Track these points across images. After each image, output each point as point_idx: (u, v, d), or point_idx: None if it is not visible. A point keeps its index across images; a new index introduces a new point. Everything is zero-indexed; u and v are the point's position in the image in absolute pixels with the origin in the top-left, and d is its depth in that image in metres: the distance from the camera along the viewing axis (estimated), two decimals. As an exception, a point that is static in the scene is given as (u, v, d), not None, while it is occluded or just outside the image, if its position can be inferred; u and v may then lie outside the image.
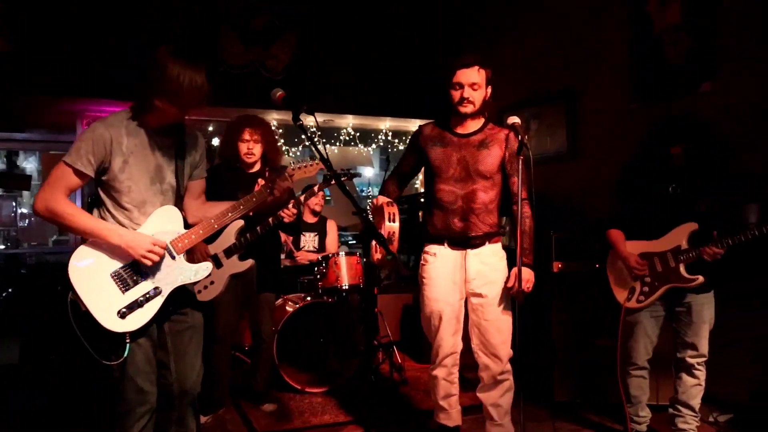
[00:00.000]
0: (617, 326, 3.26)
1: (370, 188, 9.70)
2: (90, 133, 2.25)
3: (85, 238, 2.29)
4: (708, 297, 3.14)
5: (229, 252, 3.56)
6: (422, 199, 6.24)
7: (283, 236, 5.30)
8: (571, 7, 5.25)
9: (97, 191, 2.36)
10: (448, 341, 2.97)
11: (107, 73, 5.80)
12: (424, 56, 7.05)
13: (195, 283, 2.50)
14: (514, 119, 2.59)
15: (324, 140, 7.47)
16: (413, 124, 7.67)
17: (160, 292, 2.32)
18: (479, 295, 2.91)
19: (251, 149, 3.65)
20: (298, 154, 7.27)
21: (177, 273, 2.37)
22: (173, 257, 2.37)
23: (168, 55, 2.17)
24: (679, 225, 3.11)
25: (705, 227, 3.06)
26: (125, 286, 2.27)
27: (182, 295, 2.44)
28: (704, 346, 3.13)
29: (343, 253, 4.59)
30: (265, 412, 3.84)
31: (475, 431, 3.37)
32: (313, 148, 2.38)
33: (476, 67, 2.82)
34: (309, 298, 4.45)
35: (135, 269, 2.31)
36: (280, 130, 7.22)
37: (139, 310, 2.27)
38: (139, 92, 2.26)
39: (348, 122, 7.37)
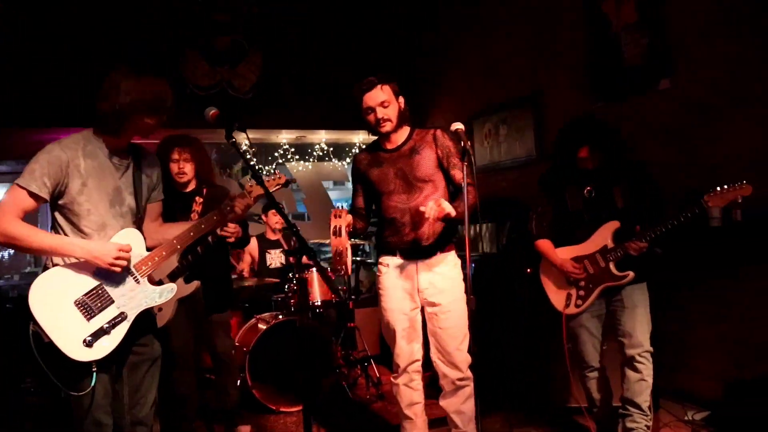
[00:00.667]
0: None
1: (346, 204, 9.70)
2: (45, 154, 2.21)
3: (45, 256, 2.24)
4: (640, 286, 3.16)
5: (173, 276, 3.47)
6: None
7: (248, 256, 5.28)
8: (529, 9, 5.27)
9: (53, 216, 2.31)
10: (405, 350, 3.00)
11: (74, 103, 5.76)
12: (391, 69, 7.04)
13: (153, 308, 2.47)
14: (457, 125, 2.57)
15: (297, 157, 7.46)
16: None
17: (125, 317, 2.29)
18: (432, 304, 2.94)
19: (182, 168, 3.58)
20: (272, 170, 7.25)
21: (141, 296, 2.34)
22: (137, 281, 2.34)
23: (130, 72, 2.23)
24: (601, 225, 3.12)
25: (626, 223, 3.08)
26: (89, 313, 2.22)
27: (144, 322, 2.40)
28: (642, 334, 3.10)
29: (314, 269, 4.54)
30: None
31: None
32: (246, 165, 2.35)
33: (378, 87, 2.89)
34: (281, 317, 4.40)
35: (99, 296, 2.26)
36: (253, 149, 7.21)
37: (105, 337, 2.23)
38: (108, 113, 2.22)
39: (320, 137, 7.36)
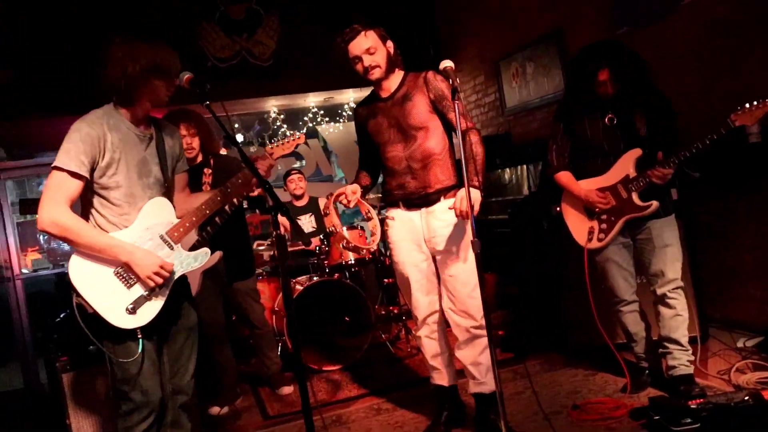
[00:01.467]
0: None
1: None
2: (76, 134, 2.18)
3: (92, 253, 2.21)
4: (668, 221, 2.98)
5: (194, 249, 3.52)
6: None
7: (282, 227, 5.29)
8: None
9: (83, 193, 2.27)
10: (423, 302, 2.93)
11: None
12: (416, 21, 6.87)
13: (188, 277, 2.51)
14: (445, 63, 2.44)
15: (327, 119, 7.40)
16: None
17: (164, 283, 2.30)
18: (440, 252, 2.85)
19: (190, 143, 3.57)
20: (289, 133, 7.24)
21: (177, 263, 2.36)
22: (171, 247, 2.36)
23: (134, 39, 2.25)
24: (623, 154, 2.95)
25: (650, 151, 2.89)
26: (128, 281, 2.24)
27: (180, 290, 2.43)
28: (673, 272, 2.95)
29: (345, 227, 4.52)
30: (281, 395, 3.86)
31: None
32: (224, 130, 2.32)
33: (362, 33, 2.74)
34: (315, 278, 4.43)
35: None
36: (282, 116, 7.20)
37: (147, 303, 2.26)
38: (120, 82, 2.21)
39: (348, 97, 7.27)
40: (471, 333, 2.84)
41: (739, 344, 3.51)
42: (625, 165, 2.94)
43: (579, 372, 3.49)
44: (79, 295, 2.18)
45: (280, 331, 4.29)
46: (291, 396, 3.83)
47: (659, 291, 2.97)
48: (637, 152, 2.92)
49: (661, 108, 2.94)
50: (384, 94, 2.87)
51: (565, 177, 3.12)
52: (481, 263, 2.29)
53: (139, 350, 2.23)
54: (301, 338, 4.20)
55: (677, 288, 2.96)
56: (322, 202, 5.28)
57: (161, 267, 2.25)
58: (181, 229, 2.39)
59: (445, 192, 2.81)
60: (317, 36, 6.34)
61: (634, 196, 2.93)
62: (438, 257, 2.89)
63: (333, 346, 4.37)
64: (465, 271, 2.82)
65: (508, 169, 5.46)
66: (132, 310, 2.21)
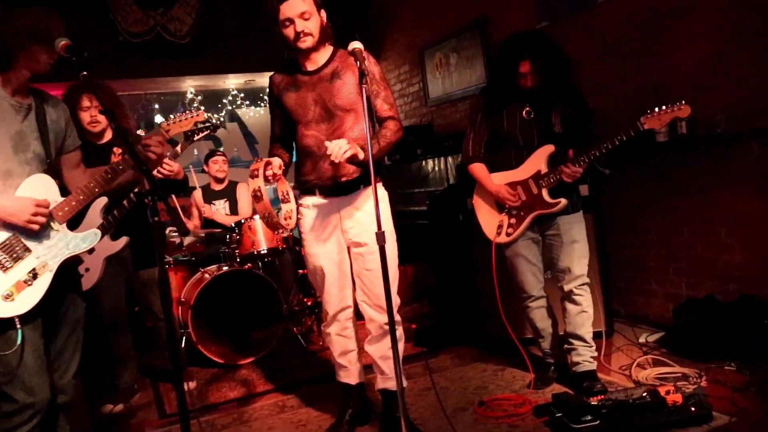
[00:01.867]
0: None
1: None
2: None
3: None
4: (576, 217, 2.99)
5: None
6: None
7: (195, 210, 5.07)
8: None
9: None
10: (335, 296, 2.77)
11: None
12: (338, 6, 6.71)
13: (79, 264, 2.33)
14: (354, 44, 2.30)
15: (248, 102, 7.15)
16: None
17: (47, 267, 2.09)
18: (358, 244, 2.70)
19: (95, 117, 3.31)
20: (222, 119, 6.95)
21: (62, 244, 2.15)
22: (56, 228, 2.15)
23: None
24: (537, 149, 2.93)
25: (563, 148, 2.87)
26: (4, 266, 2.02)
27: (65, 278, 2.20)
28: (579, 268, 2.96)
29: (257, 216, 4.34)
30: (183, 391, 3.66)
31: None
32: (102, 106, 2.13)
33: None
34: (226, 268, 4.24)
35: (14, 245, 2.06)
36: (199, 97, 6.90)
37: (28, 289, 2.04)
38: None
39: (271, 79, 7.03)
40: (384, 329, 2.72)
41: (642, 339, 3.58)
42: (538, 160, 2.92)
43: (489, 367, 3.48)
44: None
45: (185, 323, 4.07)
46: (194, 392, 3.64)
47: (566, 287, 2.97)
48: (549, 148, 2.89)
49: (577, 105, 2.93)
50: (310, 67, 2.63)
51: (478, 169, 3.06)
52: (385, 256, 2.18)
53: (18, 341, 2.01)
54: (203, 331, 4.02)
55: (583, 284, 2.97)
56: (241, 188, 5.07)
57: (36, 205, 2.05)
58: (66, 209, 2.18)
59: (367, 179, 2.56)
60: (238, 15, 6.08)
61: (544, 193, 2.91)
62: (354, 249, 2.73)
63: (242, 339, 4.19)
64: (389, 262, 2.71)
65: (430, 160, 5.41)
66: (8, 296, 2.00)
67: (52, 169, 2.25)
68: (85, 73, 2.05)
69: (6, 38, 2.03)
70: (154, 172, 3.13)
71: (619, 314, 4.04)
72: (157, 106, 7.00)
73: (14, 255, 2.06)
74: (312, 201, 2.73)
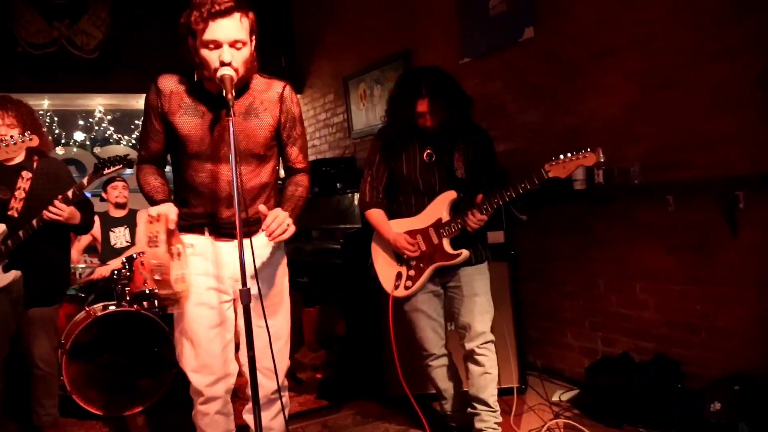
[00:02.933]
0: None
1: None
2: None
3: None
4: (480, 269, 2.77)
5: None
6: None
7: (87, 237, 4.64)
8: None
9: None
10: (218, 359, 2.25)
11: None
12: (273, 19, 6.46)
13: None
14: (222, 71, 1.99)
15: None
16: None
17: None
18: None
19: (4, 135, 2.91)
20: (133, 142, 6.51)
21: None
22: None
23: None
24: (437, 195, 2.69)
25: (466, 194, 2.66)
26: None
27: None
28: (481, 324, 2.71)
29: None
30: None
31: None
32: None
33: (238, 15, 2.02)
34: (112, 308, 3.82)
35: None
36: (109, 117, 6.45)
37: None
38: None
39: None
40: (270, 398, 2.33)
41: (555, 398, 3.38)
42: (439, 207, 2.67)
43: (391, 427, 3.19)
44: None
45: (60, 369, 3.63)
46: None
47: (467, 345, 2.72)
48: (451, 195, 2.66)
49: (482, 148, 2.72)
50: (215, 91, 2.12)
51: (375, 215, 2.79)
52: (250, 314, 1.88)
53: None
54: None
55: (486, 342, 2.72)
56: (142, 216, 4.66)
57: None
58: None
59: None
60: (155, 29, 5.69)
61: (445, 243, 2.66)
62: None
63: (127, 387, 3.76)
64: (280, 321, 2.32)
65: (348, 195, 5.15)
66: None
67: None
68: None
69: None
70: (44, 214, 2.84)
71: (535, 367, 3.85)
72: (56, 119, 6.45)
73: None
74: (198, 241, 2.26)
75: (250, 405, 2.31)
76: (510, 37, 3.76)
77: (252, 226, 2.16)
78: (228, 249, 2.26)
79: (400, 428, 3.16)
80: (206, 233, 2.26)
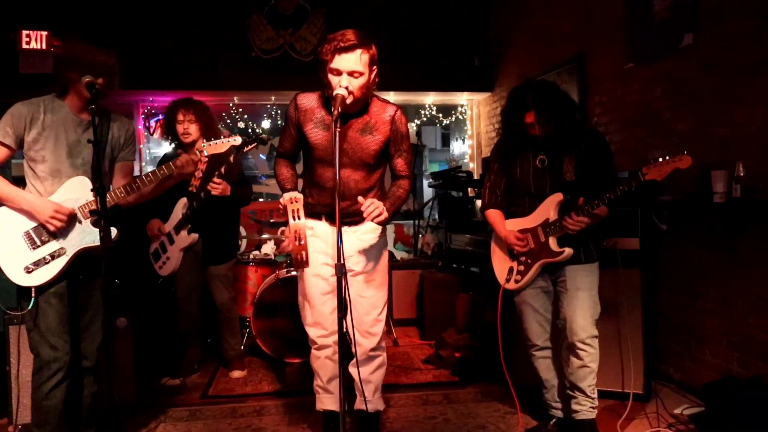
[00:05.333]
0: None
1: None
2: (11, 110, 2.60)
3: (1, 202, 2.62)
4: (587, 267, 2.91)
5: (178, 228, 3.84)
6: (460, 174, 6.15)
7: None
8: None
9: (24, 165, 2.68)
10: (329, 318, 2.85)
11: (156, 67, 6.36)
12: (461, 27, 6.89)
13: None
14: (339, 90, 2.48)
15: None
16: (460, 98, 7.51)
17: (64, 252, 2.60)
18: (356, 272, 2.82)
19: (186, 129, 3.85)
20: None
21: (82, 236, 2.63)
22: (80, 221, 2.64)
23: (77, 41, 2.60)
24: (547, 197, 2.89)
25: (575, 196, 2.80)
26: (34, 244, 2.58)
27: (94, 268, 2.68)
28: (582, 318, 2.85)
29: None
30: (232, 378, 4.08)
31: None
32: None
33: (358, 52, 2.49)
34: (294, 273, 4.59)
35: (45, 230, 2.59)
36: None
37: (45, 267, 2.58)
38: (57, 73, 2.61)
39: (389, 99, 7.34)
40: (369, 355, 2.87)
41: (678, 410, 3.35)
42: (547, 208, 2.89)
43: (503, 408, 3.46)
44: None
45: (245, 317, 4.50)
46: (239, 381, 4.04)
47: (569, 338, 2.90)
48: (558, 197, 2.86)
49: (594, 152, 2.86)
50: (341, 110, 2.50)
51: (492, 215, 3.10)
52: (341, 284, 2.33)
53: (31, 305, 2.54)
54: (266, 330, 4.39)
55: (589, 338, 2.87)
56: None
57: (57, 211, 2.54)
58: (93, 207, 2.62)
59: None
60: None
61: (551, 241, 2.88)
62: (350, 277, 2.80)
63: (296, 340, 4.50)
64: (376, 293, 2.86)
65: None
66: (29, 271, 2.53)
67: (98, 171, 2.56)
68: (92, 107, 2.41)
69: (56, 73, 2.59)
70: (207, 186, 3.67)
71: (671, 378, 3.78)
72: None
73: (43, 238, 2.58)
74: (318, 225, 2.86)
75: (354, 360, 2.86)
76: (670, 43, 3.70)
77: (357, 216, 2.68)
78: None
79: (510, 410, 3.41)
80: (323, 219, 2.85)
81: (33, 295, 2.55)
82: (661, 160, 2.53)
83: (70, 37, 2.67)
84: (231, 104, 7.05)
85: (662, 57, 3.80)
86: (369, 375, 2.89)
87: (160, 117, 7.17)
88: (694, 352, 3.65)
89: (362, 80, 2.54)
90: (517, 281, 3.01)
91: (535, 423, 3.21)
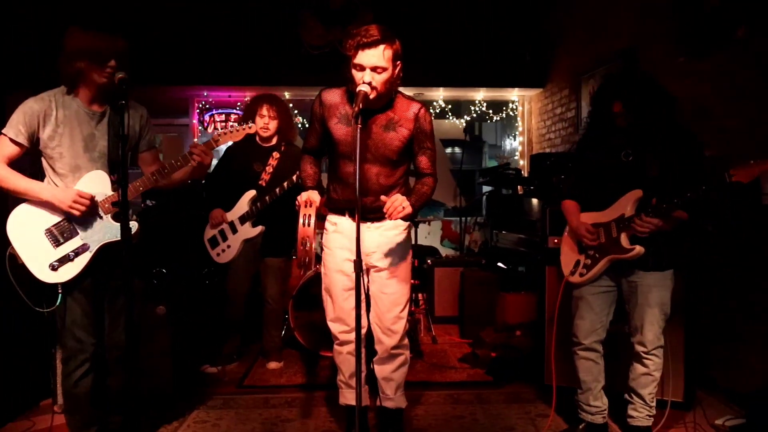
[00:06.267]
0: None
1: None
2: (22, 107, 2.56)
3: (21, 197, 2.60)
4: (658, 278, 2.76)
5: (243, 219, 3.98)
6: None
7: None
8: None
9: (40, 161, 2.66)
10: (351, 314, 2.75)
11: (210, 63, 6.55)
12: (513, 22, 6.76)
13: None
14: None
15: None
16: (510, 93, 7.38)
17: (87, 248, 2.62)
18: (378, 269, 2.80)
19: (267, 124, 3.96)
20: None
21: (104, 231, 2.64)
22: (101, 217, 2.65)
23: (77, 29, 2.52)
24: (626, 192, 2.76)
25: (655, 194, 2.68)
26: (56, 241, 2.58)
27: (113, 260, 2.66)
28: (651, 332, 2.76)
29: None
30: (268, 369, 4.16)
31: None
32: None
33: (381, 47, 2.48)
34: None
35: (66, 227, 2.60)
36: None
37: (70, 263, 2.59)
38: (63, 63, 2.53)
39: (439, 95, 7.31)
40: (390, 352, 2.85)
41: (719, 421, 3.19)
42: (624, 204, 2.78)
43: (535, 410, 3.39)
44: (12, 246, 2.56)
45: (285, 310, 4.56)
46: (275, 372, 4.10)
47: (636, 347, 2.84)
48: (637, 193, 2.74)
49: (682, 150, 2.71)
50: (362, 105, 2.49)
51: (567, 205, 3.02)
52: (359, 279, 2.33)
53: (57, 302, 2.57)
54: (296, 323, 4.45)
55: (656, 348, 2.81)
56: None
57: (79, 195, 2.52)
58: (113, 202, 2.63)
59: None
60: (408, 33, 6.40)
61: (623, 237, 2.76)
62: (373, 273, 2.84)
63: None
64: (398, 290, 2.82)
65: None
66: (54, 268, 2.56)
67: (115, 163, 2.65)
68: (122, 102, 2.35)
69: (64, 68, 2.53)
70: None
71: (717, 386, 3.61)
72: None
73: (65, 235, 2.60)
74: (340, 221, 2.84)
75: (377, 357, 2.89)
76: (722, 36, 3.52)
77: (380, 212, 2.62)
78: (362, 229, 2.67)
79: (542, 413, 3.34)
80: (347, 215, 2.83)
81: (59, 291, 2.57)
82: (752, 162, 2.38)
83: (68, 28, 2.54)
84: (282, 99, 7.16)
85: (714, 51, 3.62)
86: (391, 373, 2.87)
87: (214, 112, 7.38)
88: (742, 359, 3.47)
89: (385, 75, 2.53)
90: (582, 274, 2.92)
91: (566, 426, 3.13)
